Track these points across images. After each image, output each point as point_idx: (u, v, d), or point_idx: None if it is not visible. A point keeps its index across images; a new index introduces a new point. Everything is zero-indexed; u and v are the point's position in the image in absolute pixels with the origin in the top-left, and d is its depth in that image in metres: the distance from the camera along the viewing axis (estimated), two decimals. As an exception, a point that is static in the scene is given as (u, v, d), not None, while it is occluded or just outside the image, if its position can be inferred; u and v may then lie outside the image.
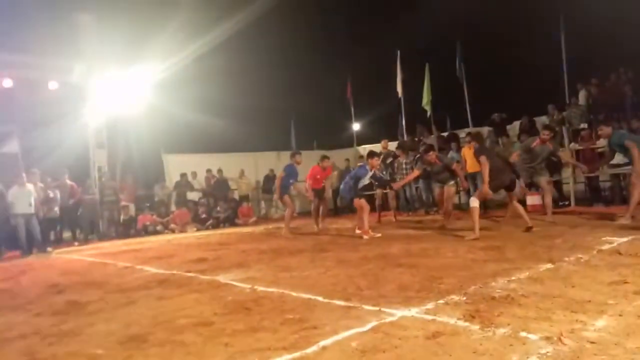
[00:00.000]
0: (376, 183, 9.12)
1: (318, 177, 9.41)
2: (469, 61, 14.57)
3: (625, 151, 6.95)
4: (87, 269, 6.73)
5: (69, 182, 11.51)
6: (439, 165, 8.33)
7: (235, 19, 14.83)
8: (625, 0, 12.32)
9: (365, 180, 8.25)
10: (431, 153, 8.39)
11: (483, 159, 6.57)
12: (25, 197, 9.52)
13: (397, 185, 9.48)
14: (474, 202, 6.54)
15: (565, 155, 8.88)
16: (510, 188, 6.90)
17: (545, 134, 7.82)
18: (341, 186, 8.89)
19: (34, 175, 10.31)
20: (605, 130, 7.18)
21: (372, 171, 8.19)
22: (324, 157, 9.62)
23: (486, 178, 6.47)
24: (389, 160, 11.77)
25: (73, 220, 11.89)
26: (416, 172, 8.89)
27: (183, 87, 14.78)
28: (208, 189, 14.33)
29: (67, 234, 12.34)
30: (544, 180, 7.94)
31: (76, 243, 11.24)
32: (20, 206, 9.44)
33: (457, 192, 9.17)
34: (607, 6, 13.71)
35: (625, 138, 6.91)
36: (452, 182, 8.47)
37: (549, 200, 7.89)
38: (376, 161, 8.27)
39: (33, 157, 12.70)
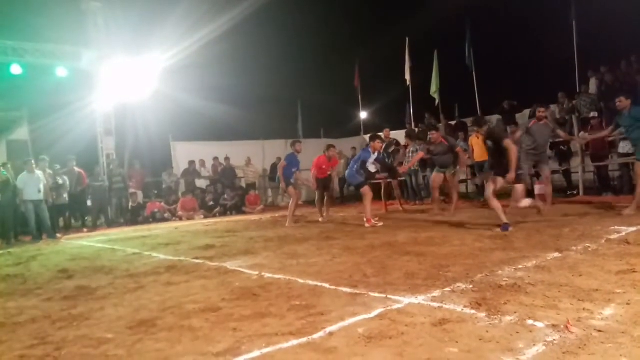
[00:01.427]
0: (380, 168, 9.00)
1: (324, 167, 9.27)
2: (479, 49, 14.43)
3: (635, 129, 6.66)
4: (96, 255, 6.80)
5: (76, 169, 11.59)
6: (443, 146, 8.20)
7: (243, 6, 14.74)
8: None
9: (371, 166, 8.21)
10: (434, 132, 8.26)
11: (508, 142, 6.06)
12: (35, 184, 9.60)
13: (403, 169, 9.36)
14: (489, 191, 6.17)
15: (565, 135, 8.68)
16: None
17: (540, 111, 7.66)
18: (346, 172, 8.79)
19: (43, 161, 10.39)
20: (625, 102, 6.80)
21: (375, 154, 8.14)
22: (330, 146, 9.40)
23: (515, 163, 5.97)
24: (392, 149, 11.72)
25: (81, 207, 11.99)
26: (420, 154, 8.74)
27: (191, 74, 14.79)
28: (215, 176, 14.39)
29: (75, 221, 12.45)
30: (548, 170, 7.85)
31: (85, 229, 11.35)
32: (29, 192, 9.52)
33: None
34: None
35: None
36: (453, 170, 8.36)
37: (549, 189, 7.85)
38: (378, 144, 8.19)
39: (42, 143, 12.82)
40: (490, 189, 6.15)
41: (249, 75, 18.92)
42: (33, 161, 9.88)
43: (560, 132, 8.23)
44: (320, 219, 9.25)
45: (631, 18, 12.96)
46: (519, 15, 15.57)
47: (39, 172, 9.80)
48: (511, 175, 5.96)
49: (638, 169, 6.68)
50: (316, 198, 9.79)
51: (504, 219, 5.95)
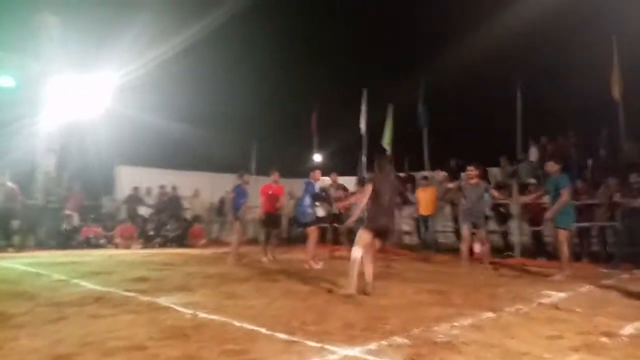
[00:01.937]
0: (325, 211, 8.97)
1: (270, 192, 9.07)
2: (431, 108, 15.21)
3: (555, 195, 6.94)
4: (18, 279, 6.35)
5: (9, 184, 10.91)
6: None
7: (199, 26, 14.52)
8: (580, 67, 13.29)
9: (319, 210, 8.26)
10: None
11: (367, 186, 5.40)
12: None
13: (340, 206, 9.12)
14: (357, 252, 5.28)
15: (499, 195, 9.00)
16: (383, 236, 5.68)
17: (470, 171, 7.90)
18: (297, 209, 8.85)
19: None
20: (554, 167, 7.04)
21: (317, 184, 8.30)
22: (274, 170, 9.15)
23: (361, 202, 5.40)
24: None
25: (9, 225, 11.21)
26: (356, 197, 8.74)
27: (142, 96, 14.36)
28: (160, 205, 13.93)
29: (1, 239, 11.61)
30: (482, 231, 8.02)
31: (10, 249, 10.59)
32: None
33: None
34: (562, 70, 14.76)
35: (567, 185, 6.95)
36: None
37: (486, 249, 8.09)
38: (318, 174, 8.41)
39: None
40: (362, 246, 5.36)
41: (203, 105, 18.70)
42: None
43: (494, 192, 8.56)
44: (264, 259, 8.98)
45: (569, 96, 14.13)
46: (470, 82, 16.61)
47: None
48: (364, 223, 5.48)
49: (558, 236, 7.03)
50: (263, 236, 9.58)
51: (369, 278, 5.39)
